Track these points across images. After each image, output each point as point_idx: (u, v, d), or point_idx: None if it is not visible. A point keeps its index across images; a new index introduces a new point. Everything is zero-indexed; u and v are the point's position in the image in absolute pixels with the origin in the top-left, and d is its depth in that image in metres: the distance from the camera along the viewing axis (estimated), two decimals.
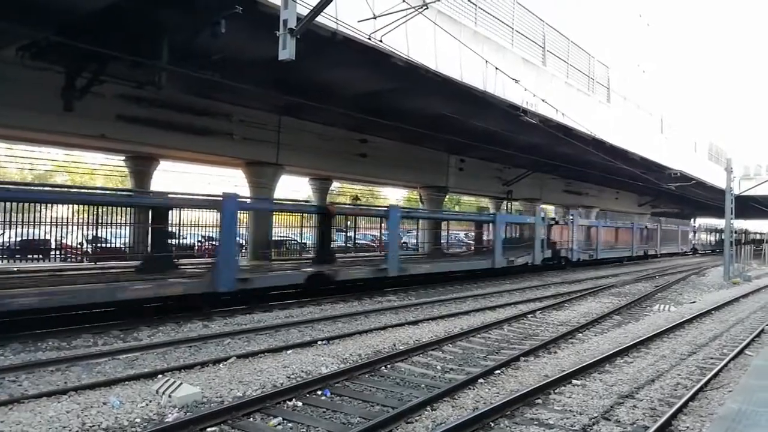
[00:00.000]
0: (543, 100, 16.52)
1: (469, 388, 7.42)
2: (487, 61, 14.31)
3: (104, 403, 6.39)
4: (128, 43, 11.01)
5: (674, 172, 30.79)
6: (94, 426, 5.80)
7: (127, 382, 7.24)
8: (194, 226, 17.37)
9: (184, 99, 16.16)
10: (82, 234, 15.89)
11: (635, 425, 6.29)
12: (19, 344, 8.99)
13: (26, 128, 14.33)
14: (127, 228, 17.00)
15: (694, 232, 53.70)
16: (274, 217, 20.10)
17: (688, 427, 6.28)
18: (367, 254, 23.74)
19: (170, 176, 21.41)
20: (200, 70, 12.15)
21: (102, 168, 23.36)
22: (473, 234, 32.06)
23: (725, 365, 8.99)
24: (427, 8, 10.91)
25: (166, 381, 6.99)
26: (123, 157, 19.80)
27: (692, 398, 7.20)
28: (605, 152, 22.77)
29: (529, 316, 13.61)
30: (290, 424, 6.11)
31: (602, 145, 22.41)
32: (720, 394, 7.49)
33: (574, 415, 6.50)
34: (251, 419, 6.23)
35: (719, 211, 34.31)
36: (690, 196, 39.99)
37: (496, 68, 14.30)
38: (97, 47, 10.45)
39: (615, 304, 15.85)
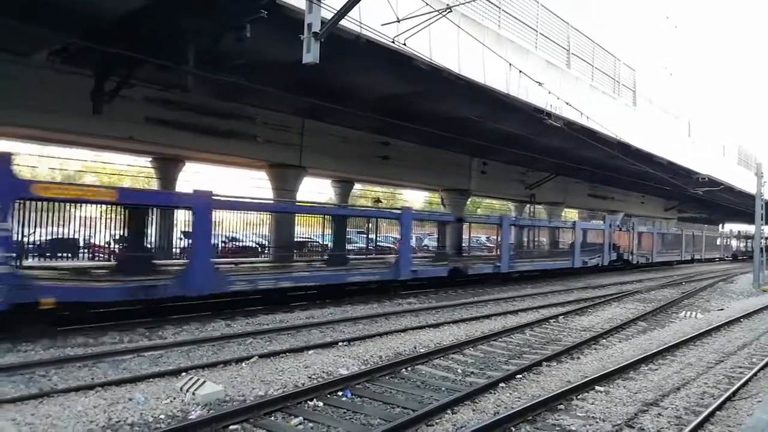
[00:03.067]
0: (567, 103, 16.35)
1: (490, 392, 7.38)
2: (510, 64, 14.22)
3: (130, 399, 6.52)
4: (155, 48, 11.23)
5: (702, 176, 30.16)
6: (119, 421, 5.93)
7: (151, 379, 7.38)
8: None
9: (209, 102, 16.42)
10: None
11: None
12: (48, 340, 9.21)
13: (57, 130, 14.70)
14: None
15: (624, 229, 31.81)
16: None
17: None
18: None
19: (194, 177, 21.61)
20: (225, 73, 12.31)
21: (130, 169, 23.83)
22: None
23: (754, 374, 8.77)
24: (451, 11, 10.89)
25: (190, 379, 7.11)
26: (150, 159, 20.19)
27: (720, 407, 7.04)
28: (631, 156, 22.42)
29: (551, 320, 13.47)
30: (311, 424, 6.15)
31: (628, 149, 22.08)
32: (749, 404, 7.30)
33: (596, 422, 6.41)
34: (273, 418, 6.28)
35: (749, 217, 33.52)
36: (718, 202, 39.12)
37: (520, 71, 14.19)
38: (125, 51, 10.69)
39: (640, 310, 15.59)
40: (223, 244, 18.02)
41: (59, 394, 6.68)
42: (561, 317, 13.96)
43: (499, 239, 22.54)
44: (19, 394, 6.63)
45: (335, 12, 8.93)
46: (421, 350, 9.62)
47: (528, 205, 34.05)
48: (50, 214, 12.42)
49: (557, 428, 6.24)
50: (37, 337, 9.23)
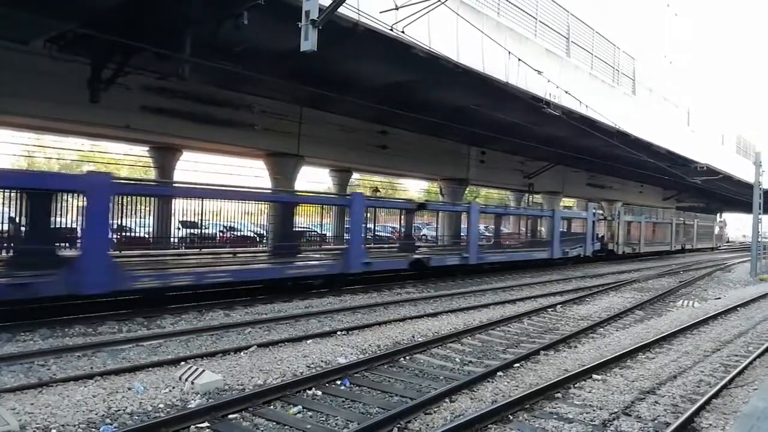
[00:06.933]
0: (566, 92, 16.27)
1: (488, 381, 7.41)
2: (509, 52, 14.14)
3: (129, 389, 6.53)
4: (153, 35, 11.13)
5: (700, 165, 30.15)
6: (119, 410, 5.94)
7: (150, 369, 7.39)
8: None
9: (207, 90, 16.33)
10: None
11: (656, 421, 6.22)
12: (47, 330, 9.22)
13: (54, 119, 14.62)
14: None
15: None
16: None
17: (711, 425, 6.19)
18: None
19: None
20: (223, 61, 12.23)
21: (126, 158, 23.77)
22: None
23: (750, 363, 8.83)
24: None
25: (189, 368, 7.12)
26: (147, 148, 20.11)
27: (716, 395, 7.08)
28: (629, 145, 22.39)
29: (549, 310, 13.52)
30: (310, 413, 6.18)
31: (626, 138, 22.03)
32: (745, 391, 7.35)
33: (593, 410, 6.45)
34: (272, 407, 6.31)
35: (747, 207, 33.54)
36: (717, 191, 39.13)
37: (519, 59, 14.11)
38: (122, 39, 10.60)
39: (637, 299, 15.65)
40: None
41: (58, 383, 6.69)
42: (559, 306, 14.00)
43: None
44: (19, 383, 6.64)
45: None
46: (420, 339, 9.65)
47: (526, 194, 34.07)
48: None
49: (554, 416, 6.27)
50: None
